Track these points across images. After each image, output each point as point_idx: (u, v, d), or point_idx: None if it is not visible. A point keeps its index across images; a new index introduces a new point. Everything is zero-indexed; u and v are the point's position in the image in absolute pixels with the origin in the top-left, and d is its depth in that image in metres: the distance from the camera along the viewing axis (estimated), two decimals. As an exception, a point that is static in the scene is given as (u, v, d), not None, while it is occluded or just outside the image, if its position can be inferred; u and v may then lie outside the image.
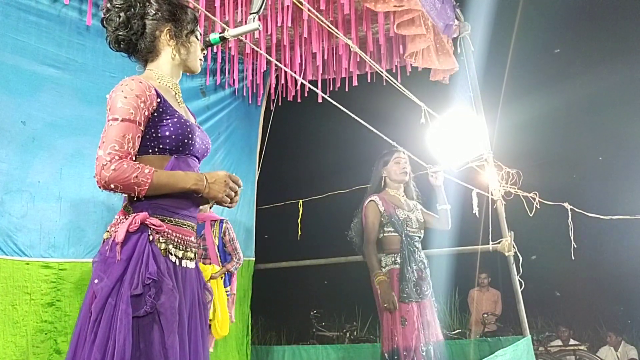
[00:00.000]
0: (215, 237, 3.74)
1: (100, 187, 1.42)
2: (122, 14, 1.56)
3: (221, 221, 3.79)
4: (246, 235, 4.72)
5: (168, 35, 1.61)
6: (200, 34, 1.71)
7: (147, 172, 1.41)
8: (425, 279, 3.06)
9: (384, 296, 2.93)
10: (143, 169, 1.41)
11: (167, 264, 1.47)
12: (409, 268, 2.99)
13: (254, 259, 4.75)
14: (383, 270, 3.05)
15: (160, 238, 1.48)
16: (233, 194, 1.54)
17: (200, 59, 1.70)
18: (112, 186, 1.39)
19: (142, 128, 1.47)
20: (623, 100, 7.77)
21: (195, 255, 1.61)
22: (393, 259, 3.07)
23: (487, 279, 6.38)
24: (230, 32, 1.66)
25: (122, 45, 1.61)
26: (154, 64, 1.64)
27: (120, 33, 1.57)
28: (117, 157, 1.39)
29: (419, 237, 3.19)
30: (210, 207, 3.70)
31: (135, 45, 1.61)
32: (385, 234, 3.13)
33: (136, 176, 1.39)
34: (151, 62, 1.64)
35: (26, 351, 2.87)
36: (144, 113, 1.47)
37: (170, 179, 1.46)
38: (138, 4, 1.57)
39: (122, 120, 1.43)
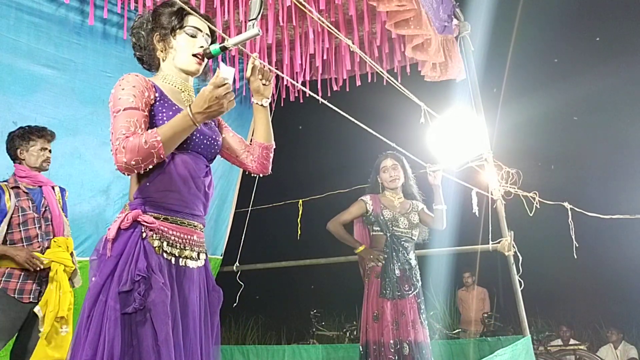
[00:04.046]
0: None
1: (124, 173, 1.41)
2: (133, 38, 1.68)
3: (62, 189, 2.87)
4: (217, 234, 4.63)
5: (156, 40, 1.63)
6: (198, 29, 1.63)
7: (151, 132, 1.41)
8: (410, 279, 3.10)
9: (367, 255, 3.07)
10: (146, 132, 1.41)
11: (161, 261, 1.46)
12: (391, 267, 3.08)
13: (220, 258, 4.65)
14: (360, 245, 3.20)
15: (154, 235, 1.46)
16: (230, 95, 1.46)
17: (195, 54, 1.61)
18: (133, 163, 1.38)
19: (145, 113, 1.48)
20: (623, 100, 7.78)
21: (199, 255, 1.58)
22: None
23: (470, 278, 6.34)
24: (231, 41, 1.64)
25: (144, 66, 1.70)
26: (159, 70, 1.68)
27: (136, 53, 1.69)
28: (124, 138, 1.40)
29: (410, 238, 3.22)
30: (44, 166, 2.75)
31: (148, 62, 1.68)
32: (372, 233, 3.25)
33: (145, 141, 1.38)
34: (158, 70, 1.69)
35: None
36: (144, 100, 1.48)
37: (172, 128, 1.43)
38: (143, 24, 1.65)
39: (124, 110, 1.44)
